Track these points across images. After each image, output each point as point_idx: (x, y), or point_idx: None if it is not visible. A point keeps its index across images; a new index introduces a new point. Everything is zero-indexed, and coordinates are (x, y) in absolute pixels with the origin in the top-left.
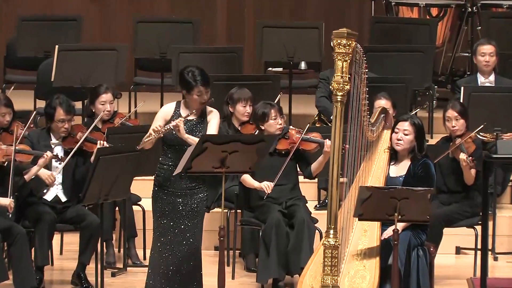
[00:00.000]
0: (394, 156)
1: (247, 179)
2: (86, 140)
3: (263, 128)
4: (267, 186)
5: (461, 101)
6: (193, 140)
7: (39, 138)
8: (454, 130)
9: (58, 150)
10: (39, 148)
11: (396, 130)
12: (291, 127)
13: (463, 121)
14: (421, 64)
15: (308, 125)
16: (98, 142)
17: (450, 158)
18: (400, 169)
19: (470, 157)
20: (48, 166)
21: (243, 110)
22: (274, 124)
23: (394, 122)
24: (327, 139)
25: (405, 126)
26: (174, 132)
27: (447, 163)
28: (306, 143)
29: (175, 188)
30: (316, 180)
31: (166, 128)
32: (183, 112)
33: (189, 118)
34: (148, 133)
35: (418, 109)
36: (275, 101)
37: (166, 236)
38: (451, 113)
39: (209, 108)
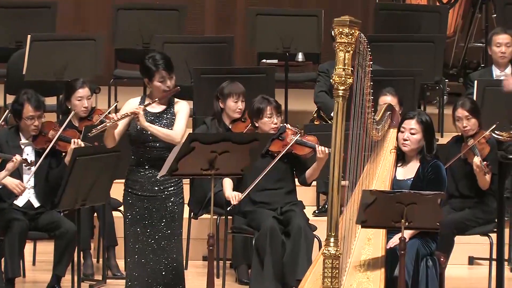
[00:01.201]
0: (401, 157)
1: (224, 183)
2: (59, 139)
3: (257, 125)
4: (233, 196)
5: (475, 96)
6: (155, 129)
7: (7, 138)
8: (465, 130)
9: (29, 151)
10: (8, 150)
11: (402, 129)
12: (288, 126)
13: (475, 120)
14: (431, 55)
15: (302, 130)
16: (72, 141)
17: (462, 160)
18: (407, 171)
19: (485, 162)
20: (19, 170)
21: (234, 106)
22: (268, 123)
23: (400, 120)
24: (320, 146)
25: (411, 124)
26: (135, 125)
27: (459, 166)
28: (300, 147)
29: (146, 191)
30: (314, 183)
31: (122, 116)
32: (149, 106)
33: (154, 110)
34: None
35: (429, 104)
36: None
37: (140, 244)
38: (461, 112)
39: (176, 99)
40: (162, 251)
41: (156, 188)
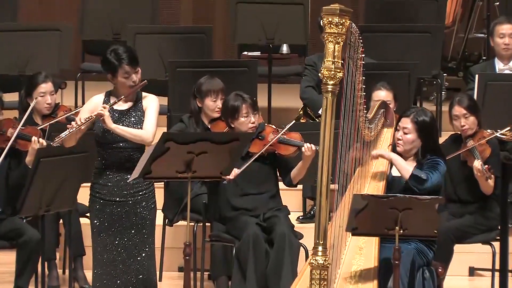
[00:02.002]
0: (399, 155)
1: None
2: (18, 137)
3: (233, 126)
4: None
5: (476, 91)
6: (124, 130)
7: None
8: (464, 130)
9: None
10: None
11: (398, 127)
12: (267, 124)
13: (474, 118)
14: (428, 47)
15: (287, 126)
16: (33, 139)
17: (460, 162)
18: None
19: (486, 166)
20: None
21: (213, 105)
22: (245, 123)
23: (398, 117)
24: (307, 143)
25: (405, 123)
26: (100, 125)
27: (457, 168)
28: (284, 146)
29: (114, 196)
30: (300, 187)
31: (87, 119)
32: (113, 101)
33: (120, 107)
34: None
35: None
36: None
37: (108, 254)
38: (458, 110)
39: (144, 94)
40: (132, 261)
41: (126, 192)
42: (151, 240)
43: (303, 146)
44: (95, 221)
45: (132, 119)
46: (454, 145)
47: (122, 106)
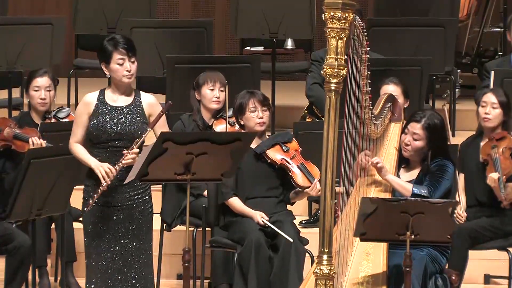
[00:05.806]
0: (405, 161)
1: (236, 203)
2: (15, 138)
3: (242, 123)
4: (262, 217)
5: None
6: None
7: None
8: (485, 118)
9: None
10: None
11: (406, 130)
12: (295, 140)
13: (500, 113)
14: (441, 42)
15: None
16: (30, 140)
17: (480, 164)
18: (413, 174)
19: (505, 192)
20: None
21: (210, 94)
22: (252, 118)
23: (407, 120)
24: (318, 183)
25: (416, 128)
26: (93, 122)
27: (475, 167)
28: (300, 173)
29: (110, 200)
30: None
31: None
32: (109, 99)
33: (115, 104)
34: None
35: (444, 105)
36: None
37: (102, 261)
38: (489, 97)
39: (143, 93)
40: (129, 268)
41: (121, 196)
42: (148, 246)
43: (313, 183)
44: (90, 226)
45: (131, 116)
46: (475, 142)
47: (118, 101)
